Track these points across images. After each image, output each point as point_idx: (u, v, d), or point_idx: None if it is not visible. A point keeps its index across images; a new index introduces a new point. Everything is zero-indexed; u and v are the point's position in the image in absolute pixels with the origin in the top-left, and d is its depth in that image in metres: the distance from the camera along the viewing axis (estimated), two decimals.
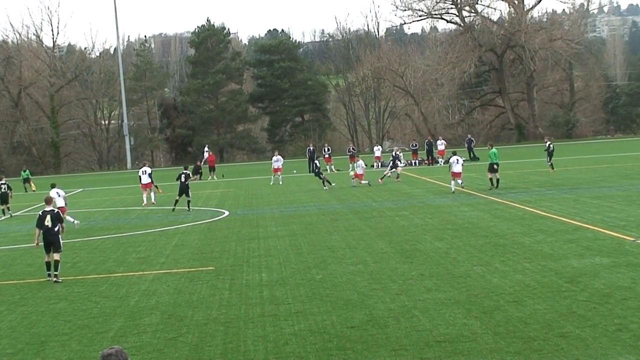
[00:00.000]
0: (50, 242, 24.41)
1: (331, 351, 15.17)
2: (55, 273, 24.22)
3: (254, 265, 24.73)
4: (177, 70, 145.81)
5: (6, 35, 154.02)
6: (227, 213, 41.44)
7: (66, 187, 69.54)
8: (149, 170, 49.66)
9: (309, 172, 59.77)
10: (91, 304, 20.46)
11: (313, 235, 31.02)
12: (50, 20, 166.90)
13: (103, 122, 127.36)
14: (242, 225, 35.80)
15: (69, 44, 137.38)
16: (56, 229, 24.59)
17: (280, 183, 60.31)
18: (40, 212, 25.09)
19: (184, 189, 44.34)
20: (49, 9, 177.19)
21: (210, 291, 21.14)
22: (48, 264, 24.49)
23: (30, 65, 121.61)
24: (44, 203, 25.86)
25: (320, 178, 54.99)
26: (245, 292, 20.75)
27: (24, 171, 78.68)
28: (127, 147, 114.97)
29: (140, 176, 49.60)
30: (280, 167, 63.03)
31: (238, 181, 67.86)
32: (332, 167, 73.21)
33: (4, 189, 47.86)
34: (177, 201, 44.46)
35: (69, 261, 27.83)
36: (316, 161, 59.67)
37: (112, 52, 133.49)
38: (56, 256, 24.31)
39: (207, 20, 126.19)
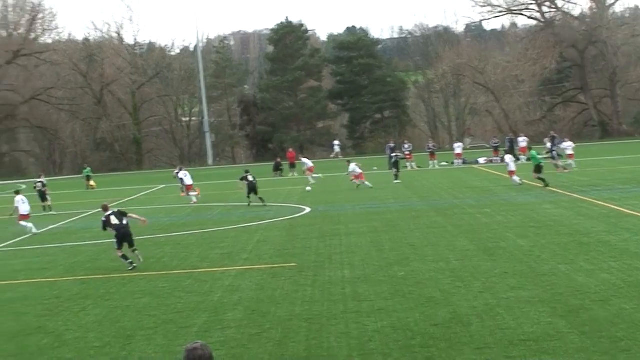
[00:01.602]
0: (125, 235, 26.06)
1: (414, 349, 15.13)
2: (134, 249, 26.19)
3: (336, 262, 24.75)
4: (256, 68, 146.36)
5: (88, 34, 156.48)
6: (308, 210, 41.55)
7: (148, 184, 70.50)
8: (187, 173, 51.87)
9: (389, 169, 59.70)
10: (175, 299, 20.66)
11: (395, 232, 30.96)
12: (132, 18, 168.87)
13: (184, 119, 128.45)
14: (323, 221, 35.86)
15: (150, 42, 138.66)
16: (124, 222, 26.19)
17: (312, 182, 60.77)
18: (103, 218, 26.62)
19: (252, 187, 45.28)
20: (129, 7, 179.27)
21: (293, 287, 21.21)
22: (124, 256, 25.91)
23: (112, 63, 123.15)
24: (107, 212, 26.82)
25: (396, 169, 56.27)
26: (327, 289, 20.77)
27: (85, 168, 79.86)
28: (208, 143, 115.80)
29: (182, 179, 50.42)
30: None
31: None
32: (413, 164, 72.93)
33: (40, 187, 48.58)
34: (250, 200, 45.29)
35: (153, 256, 28.18)
36: (396, 154, 60.33)
37: (192, 50, 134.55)
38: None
39: (286, 18, 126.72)
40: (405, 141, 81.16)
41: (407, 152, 73.76)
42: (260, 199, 44.97)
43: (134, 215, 27.70)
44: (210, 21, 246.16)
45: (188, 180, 51.55)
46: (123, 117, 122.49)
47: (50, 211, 48.16)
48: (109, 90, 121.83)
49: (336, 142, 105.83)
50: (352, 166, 54.32)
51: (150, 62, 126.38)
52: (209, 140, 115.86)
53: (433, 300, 18.82)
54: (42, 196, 48.66)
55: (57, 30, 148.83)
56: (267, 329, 17.00)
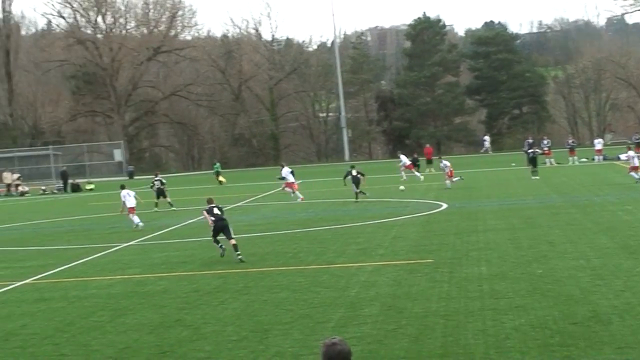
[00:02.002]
0: (221, 228, 27.53)
1: (553, 347, 14.87)
2: (238, 253, 26.87)
3: (473, 259, 24.53)
4: (393, 63, 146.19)
5: (227, 30, 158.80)
6: (445, 206, 41.30)
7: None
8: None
9: (527, 165, 58.96)
10: (312, 294, 20.76)
11: (533, 229, 30.53)
12: (269, 14, 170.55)
13: (321, 115, 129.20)
14: (460, 218, 35.60)
15: (287, 38, 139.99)
16: (223, 215, 27.85)
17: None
18: (206, 208, 28.28)
19: (356, 182, 46.69)
20: (268, 3, 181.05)
21: (429, 284, 21.10)
22: (217, 241, 27.71)
23: (250, 59, 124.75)
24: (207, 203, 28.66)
25: (534, 165, 55.67)
26: (464, 286, 20.60)
27: (215, 164, 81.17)
28: (345, 139, 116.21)
29: (285, 176, 51.10)
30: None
31: (455, 174, 67.41)
32: (552, 160, 71.83)
33: (158, 184, 49.59)
34: (356, 194, 46.58)
35: (290, 251, 28.42)
36: (534, 149, 59.62)
37: (329, 46, 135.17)
38: (232, 242, 27.26)
39: (424, 13, 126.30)
40: (544, 137, 79.97)
41: (545, 148, 72.69)
42: (358, 193, 46.54)
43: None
44: (347, 17, 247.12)
45: (291, 178, 51.80)
46: (261, 113, 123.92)
47: (172, 207, 49.05)
48: (247, 86, 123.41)
49: (486, 138, 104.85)
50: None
51: (288, 58, 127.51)
52: (345, 135, 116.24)
53: (572, 298, 18.47)
54: (160, 193, 49.74)
55: (196, 27, 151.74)
56: (403, 325, 16.94)
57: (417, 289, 20.57)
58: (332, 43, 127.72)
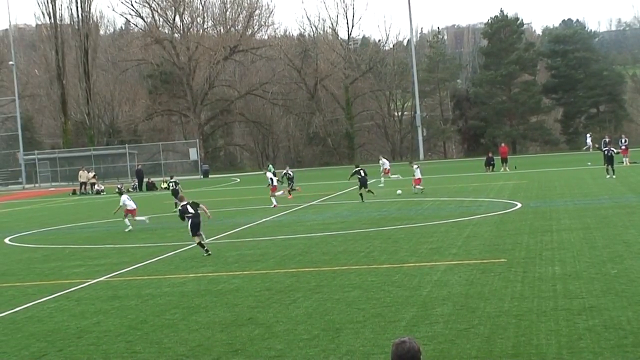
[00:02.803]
0: (196, 224, 30.04)
1: (626, 348, 14.62)
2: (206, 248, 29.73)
3: (546, 258, 24.25)
4: (469, 62, 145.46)
5: (303, 29, 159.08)
6: (519, 205, 40.92)
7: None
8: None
9: (604, 164, 58.14)
10: (384, 293, 20.68)
11: (608, 228, 30.10)
12: (346, 13, 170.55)
13: (396, 114, 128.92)
14: (534, 217, 35.23)
15: (363, 37, 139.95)
16: (198, 211, 30.30)
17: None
18: (180, 207, 31.28)
19: (364, 182, 48.78)
20: (344, 2, 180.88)
21: (502, 283, 20.90)
22: (201, 244, 29.85)
23: (326, 58, 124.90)
24: (183, 202, 31.61)
25: (610, 164, 54.89)
26: (537, 285, 20.36)
27: (268, 166, 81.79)
28: (420, 138, 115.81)
29: (272, 178, 51.34)
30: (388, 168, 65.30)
31: (531, 173, 66.90)
32: (627, 159, 70.79)
33: (173, 186, 52.10)
34: (361, 194, 48.34)
35: (363, 250, 28.37)
36: (608, 148, 58.77)
37: (405, 44, 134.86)
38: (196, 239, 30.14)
39: (500, 11, 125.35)
40: (622, 136, 78.85)
41: (622, 147, 71.66)
42: (362, 194, 48.49)
43: (204, 207, 31.09)
44: (424, 15, 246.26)
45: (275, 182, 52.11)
46: (336, 112, 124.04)
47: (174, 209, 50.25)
48: (322, 85, 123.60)
49: (588, 135, 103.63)
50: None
51: (364, 56, 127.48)
52: (420, 135, 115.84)
53: None
54: (175, 194, 50.66)
55: (273, 26, 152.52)
56: (475, 325, 16.80)
57: (490, 288, 20.39)
58: (409, 42, 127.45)
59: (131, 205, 42.15)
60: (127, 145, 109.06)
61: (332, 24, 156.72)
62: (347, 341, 16.22)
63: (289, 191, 55.44)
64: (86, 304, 21.85)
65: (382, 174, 65.07)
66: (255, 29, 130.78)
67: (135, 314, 20.11)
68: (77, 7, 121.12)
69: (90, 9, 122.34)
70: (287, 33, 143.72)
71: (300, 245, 30.93)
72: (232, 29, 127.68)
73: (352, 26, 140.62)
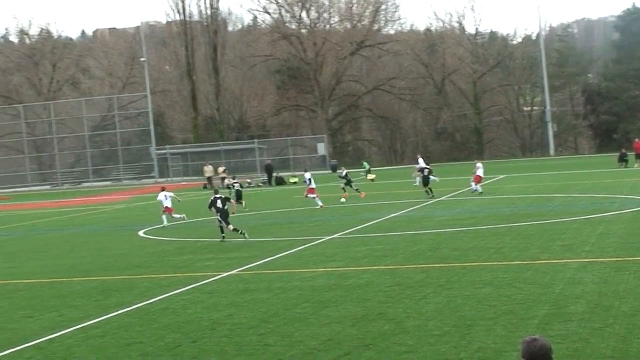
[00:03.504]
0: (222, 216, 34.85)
1: None
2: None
3: None
4: (601, 56, 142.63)
5: (430, 24, 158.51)
6: None
7: (489, 173, 70.27)
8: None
9: None
10: (515, 290, 20.44)
11: None
12: (473, 7, 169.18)
13: (525, 109, 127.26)
14: None
15: (491, 31, 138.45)
16: (225, 207, 35.28)
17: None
18: (212, 198, 35.89)
19: (426, 181, 50.46)
20: None
21: (638, 282, 20.42)
22: (221, 228, 34.92)
23: (453, 53, 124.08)
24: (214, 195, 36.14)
25: None
26: None
27: (364, 163, 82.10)
28: (550, 133, 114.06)
29: (310, 179, 51.51)
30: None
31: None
32: None
33: (237, 187, 52.64)
34: (427, 192, 49.83)
35: (493, 247, 28.10)
36: None
37: (534, 39, 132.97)
38: (230, 227, 34.81)
39: (633, 4, 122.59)
40: None
41: None
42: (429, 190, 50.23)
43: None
44: (553, 9, 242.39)
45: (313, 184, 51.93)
46: (464, 107, 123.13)
47: (246, 209, 51.00)
48: (450, 80, 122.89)
49: None
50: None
51: (492, 51, 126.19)
52: (550, 130, 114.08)
53: None
54: (239, 196, 51.16)
55: (399, 21, 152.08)
56: (610, 324, 16.47)
57: (625, 287, 19.96)
58: (538, 36, 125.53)
59: (167, 203, 44.19)
60: (256, 140, 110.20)
61: (459, 18, 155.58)
62: (478, 338, 16.09)
63: (356, 190, 55.21)
64: (219, 296, 22.16)
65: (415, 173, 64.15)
66: (382, 25, 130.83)
67: (266, 307, 20.31)
68: (206, 5, 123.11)
69: (219, 6, 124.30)
70: (414, 28, 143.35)
71: (430, 241, 30.80)
72: (359, 24, 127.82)
73: (480, 20, 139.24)
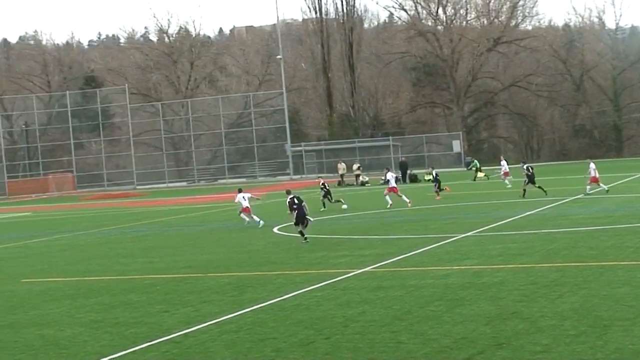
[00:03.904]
0: (301, 215, 34.21)
1: None
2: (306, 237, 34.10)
3: None
4: None
5: (569, 19, 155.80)
6: None
7: (628, 171, 68.79)
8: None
9: None
10: None
11: None
12: (613, 2, 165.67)
13: None
14: None
15: (632, 26, 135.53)
16: (303, 205, 34.40)
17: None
18: (288, 199, 34.93)
19: (531, 179, 50.34)
20: None
21: None
22: (301, 232, 34.24)
23: (592, 49, 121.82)
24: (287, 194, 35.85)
25: None
26: None
27: (472, 161, 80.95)
28: None
29: (394, 178, 52.64)
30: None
31: None
32: None
33: (327, 186, 52.38)
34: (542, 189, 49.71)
35: (632, 245, 27.50)
36: None
37: None
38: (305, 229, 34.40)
39: None
40: None
41: None
42: (526, 190, 50.23)
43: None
44: None
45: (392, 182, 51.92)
46: (603, 104, 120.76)
47: (343, 204, 51.68)
48: (588, 76, 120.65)
49: None
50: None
51: (633, 46, 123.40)
52: None
53: None
54: (328, 194, 51.95)
55: (537, 16, 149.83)
56: None
57: None
58: None
59: (245, 203, 44.39)
60: (390, 137, 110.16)
61: (598, 12, 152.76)
62: (615, 338, 15.75)
63: (437, 192, 54.78)
64: (352, 293, 22.19)
65: (503, 175, 62.89)
66: (519, 20, 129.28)
67: (399, 304, 20.26)
68: (342, 2, 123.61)
69: (354, 3, 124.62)
70: (552, 23, 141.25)
71: (566, 240, 30.29)
72: (496, 20, 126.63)
73: (620, 15, 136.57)
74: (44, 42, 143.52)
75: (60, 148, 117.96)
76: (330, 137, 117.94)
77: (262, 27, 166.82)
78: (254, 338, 17.65)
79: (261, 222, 43.31)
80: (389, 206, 49.04)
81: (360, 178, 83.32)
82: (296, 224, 34.51)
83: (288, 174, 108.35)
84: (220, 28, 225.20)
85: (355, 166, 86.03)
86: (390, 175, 52.61)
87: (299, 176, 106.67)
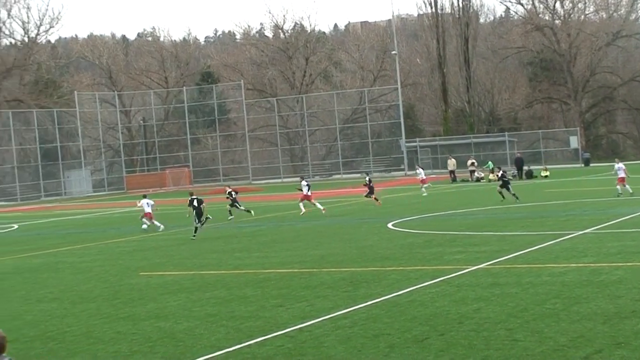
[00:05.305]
0: (198, 214, 41.18)
1: None
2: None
3: None
4: None
5: None
6: None
7: None
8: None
9: None
10: None
11: None
12: None
13: None
14: None
15: None
16: (202, 205, 41.38)
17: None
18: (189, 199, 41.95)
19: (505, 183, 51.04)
20: None
21: None
22: (196, 229, 40.80)
23: None
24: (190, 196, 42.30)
25: None
26: None
27: (489, 162, 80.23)
28: None
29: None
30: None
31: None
32: None
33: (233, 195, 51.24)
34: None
35: None
36: None
37: None
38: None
39: None
40: None
41: None
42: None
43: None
44: None
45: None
46: None
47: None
48: None
49: None
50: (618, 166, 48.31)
51: None
52: None
53: None
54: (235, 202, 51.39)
55: None
56: None
57: None
58: None
59: (148, 209, 46.52)
60: (506, 133, 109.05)
61: None
62: None
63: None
64: (466, 290, 22.02)
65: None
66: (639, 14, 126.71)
67: (515, 301, 20.02)
68: None
69: None
70: None
71: None
72: (615, 14, 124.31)
73: None
74: (161, 39, 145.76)
75: (177, 143, 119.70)
76: (445, 133, 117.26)
77: (377, 23, 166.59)
78: (368, 333, 17.65)
79: (162, 227, 46.19)
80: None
81: (475, 174, 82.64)
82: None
83: (402, 170, 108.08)
84: (335, 24, 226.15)
85: (469, 162, 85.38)
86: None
87: (413, 172, 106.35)
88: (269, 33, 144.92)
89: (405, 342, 16.78)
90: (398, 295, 21.88)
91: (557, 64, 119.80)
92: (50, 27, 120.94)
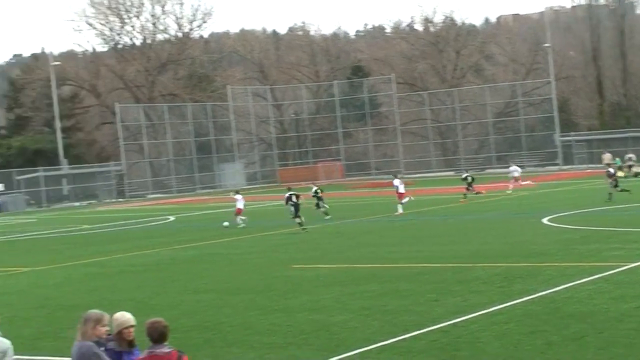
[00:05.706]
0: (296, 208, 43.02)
1: None
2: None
3: None
4: None
5: None
6: None
7: None
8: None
9: None
10: None
11: None
12: None
13: None
14: None
15: None
16: (299, 201, 43.42)
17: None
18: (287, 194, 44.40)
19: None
20: None
21: None
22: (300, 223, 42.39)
23: None
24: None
25: None
26: None
27: (616, 160, 76.14)
28: None
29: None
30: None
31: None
32: None
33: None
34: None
35: None
36: None
37: None
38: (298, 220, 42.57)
39: None
40: None
41: None
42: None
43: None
44: None
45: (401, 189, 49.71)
46: None
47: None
48: None
49: None
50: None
51: None
52: None
53: None
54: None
55: None
56: None
57: None
58: None
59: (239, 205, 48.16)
60: None
61: None
62: None
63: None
64: (626, 287, 21.48)
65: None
66: None
67: None
68: None
69: None
70: None
71: None
72: None
73: None
74: (312, 33, 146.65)
75: (329, 137, 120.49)
76: (601, 127, 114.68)
77: (529, 15, 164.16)
78: (524, 330, 17.39)
79: (239, 224, 47.09)
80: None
81: (634, 169, 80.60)
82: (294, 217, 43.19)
83: (557, 164, 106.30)
84: (486, 17, 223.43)
85: (627, 157, 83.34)
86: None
87: (568, 167, 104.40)
88: (419, 26, 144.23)
89: (562, 339, 16.48)
90: (554, 291, 21.50)
91: None
92: (203, 22, 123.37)
